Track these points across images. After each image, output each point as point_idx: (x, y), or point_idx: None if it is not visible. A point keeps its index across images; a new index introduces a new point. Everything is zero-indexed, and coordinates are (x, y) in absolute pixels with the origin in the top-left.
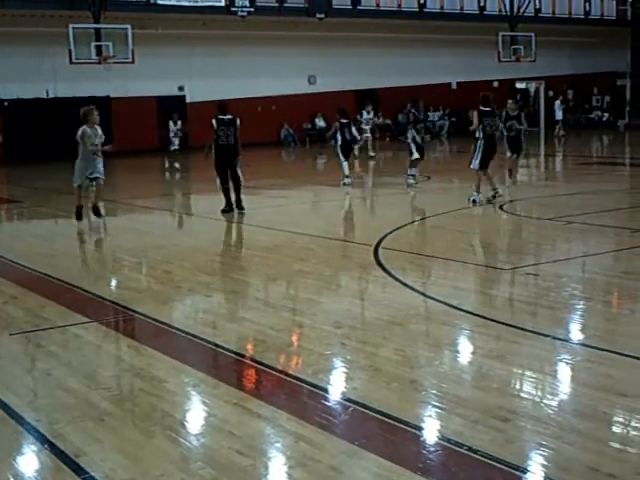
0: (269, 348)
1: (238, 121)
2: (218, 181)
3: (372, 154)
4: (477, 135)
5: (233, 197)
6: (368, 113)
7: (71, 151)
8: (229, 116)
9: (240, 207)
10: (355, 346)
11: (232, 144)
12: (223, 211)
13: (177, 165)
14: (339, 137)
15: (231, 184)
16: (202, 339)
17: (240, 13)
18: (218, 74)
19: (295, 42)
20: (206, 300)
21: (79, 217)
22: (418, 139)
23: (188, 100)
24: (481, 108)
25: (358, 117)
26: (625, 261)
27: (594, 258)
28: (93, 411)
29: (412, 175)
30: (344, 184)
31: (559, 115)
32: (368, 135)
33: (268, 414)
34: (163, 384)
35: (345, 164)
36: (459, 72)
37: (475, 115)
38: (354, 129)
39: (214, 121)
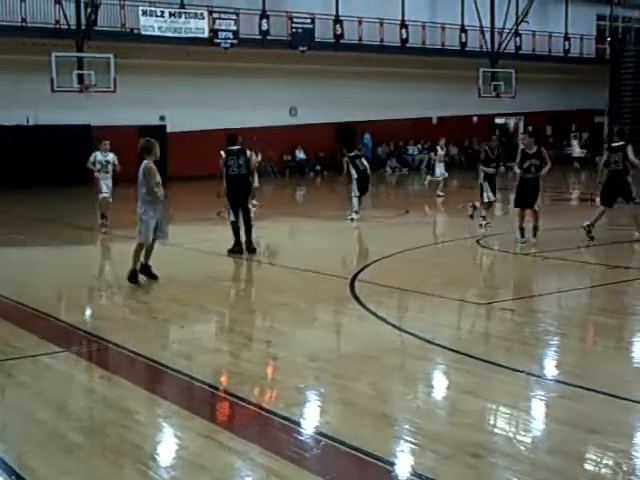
0: (243, 380)
1: (249, 152)
2: (228, 216)
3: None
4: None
5: (243, 237)
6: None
7: (53, 178)
8: (236, 147)
9: (250, 250)
10: (329, 379)
11: (244, 174)
12: (231, 251)
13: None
14: (353, 171)
15: (241, 222)
16: (176, 370)
17: (223, 45)
18: (200, 104)
19: (277, 74)
20: (181, 331)
21: (135, 280)
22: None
23: (169, 130)
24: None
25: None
26: (601, 298)
27: (570, 294)
28: (62, 442)
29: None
30: (351, 219)
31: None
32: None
33: (240, 447)
34: (135, 416)
35: (356, 200)
36: (440, 107)
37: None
38: (364, 160)
39: (222, 153)
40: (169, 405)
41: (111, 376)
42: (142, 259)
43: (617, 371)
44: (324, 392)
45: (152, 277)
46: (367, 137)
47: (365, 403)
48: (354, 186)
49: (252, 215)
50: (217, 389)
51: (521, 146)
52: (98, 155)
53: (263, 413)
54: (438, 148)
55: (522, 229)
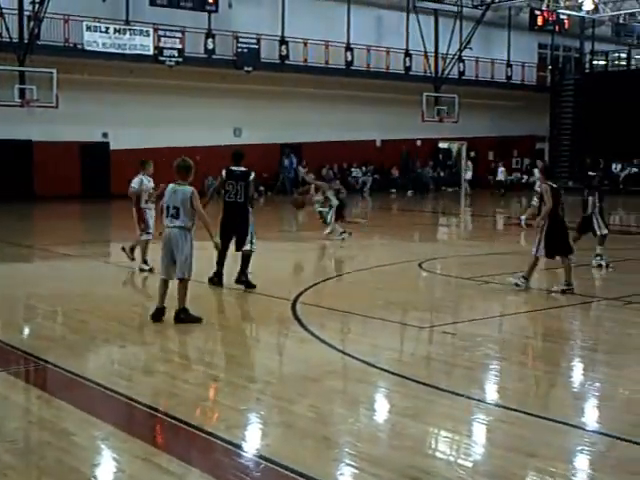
0: (182, 402)
1: (252, 175)
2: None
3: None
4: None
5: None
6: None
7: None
8: (242, 168)
9: (241, 281)
10: (270, 402)
11: (241, 202)
12: (210, 280)
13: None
14: (335, 201)
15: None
16: (114, 391)
17: (168, 63)
18: (144, 122)
19: (222, 94)
20: (121, 351)
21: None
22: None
23: (112, 147)
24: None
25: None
26: (540, 322)
27: (510, 318)
28: None
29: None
30: (343, 239)
31: (469, 175)
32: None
33: (178, 470)
34: (71, 437)
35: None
36: (384, 129)
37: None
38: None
39: (224, 172)
40: (107, 427)
41: (48, 397)
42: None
43: (555, 395)
44: (264, 414)
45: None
46: (292, 158)
47: (306, 426)
48: (332, 214)
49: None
50: (156, 410)
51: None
52: (144, 180)
53: (203, 435)
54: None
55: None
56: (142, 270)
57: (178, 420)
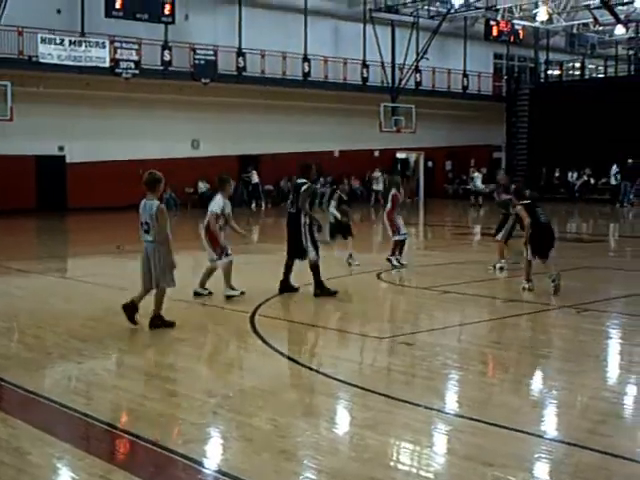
0: (140, 417)
1: (304, 187)
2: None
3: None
4: None
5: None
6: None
7: None
8: (301, 180)
9: (317, 294)
10: (228, 415)
11: (292, 213)
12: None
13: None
14: (336, 213)
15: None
16: (71, 408)
17: (124, 75)
18: (101, 135)
19: (179, 106)
20: (78, 367)
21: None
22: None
23: (68, 160)
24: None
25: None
26: (497, 331)
27: (468, 327)
28: None
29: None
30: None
31: (378, 186)
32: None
33: None
34: (27, 456)
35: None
36: (342, 140)
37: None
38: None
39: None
40: (62, 444)
41: (3, 416)
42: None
43: (514, 404)
44: (223, 428)
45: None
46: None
47: (264, 439)
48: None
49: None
50: (113, 427)
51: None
52: (226, 203)
53: (160, 451)
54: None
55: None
56: (199, 294)
57: (136, 436)
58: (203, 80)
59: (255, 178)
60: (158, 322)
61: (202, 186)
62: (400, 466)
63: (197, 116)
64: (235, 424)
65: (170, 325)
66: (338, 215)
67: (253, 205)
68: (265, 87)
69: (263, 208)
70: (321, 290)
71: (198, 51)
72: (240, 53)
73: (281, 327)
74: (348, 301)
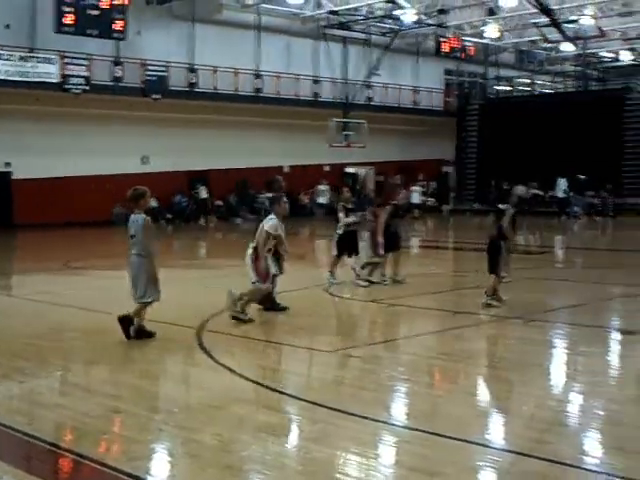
0: (83, 436)
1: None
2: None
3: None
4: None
5: None
6: None
7: None
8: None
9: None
10: (173, 432)
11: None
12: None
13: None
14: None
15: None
16: (12, 428)
17: (74, 90)
18: (49, 151)
19: (130, 121)
20: (19, 386)
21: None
22: None
23: (14, 177)
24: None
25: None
26: (445, 343)
27: (415, 339)
28: None
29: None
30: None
31: (322, 200)
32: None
33: None
34: None
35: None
36: (292, 155)
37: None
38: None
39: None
40: (4, 466)
41: None
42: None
43: (460, 414)
44: (168, 445)
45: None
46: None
47: (210, 455)
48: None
49: None
50: (56, 446)
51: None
52: (280, 224)
53: (104, 469)
54: None
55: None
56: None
57: (79, 455)
58: (154, 96)
59: (204, 194)
60: (137, 333)
61: (152, 202)
62: (347, 479)
63: (147, 132)
64: (180, 440)
65: (151, 335)
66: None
67: (202, 220)
68: (217, 103)
69: (212, 224)
70: (272, 305)
71: (149, 67)
72: (192, 69)
73: (229, 342)
74: (297, 315)
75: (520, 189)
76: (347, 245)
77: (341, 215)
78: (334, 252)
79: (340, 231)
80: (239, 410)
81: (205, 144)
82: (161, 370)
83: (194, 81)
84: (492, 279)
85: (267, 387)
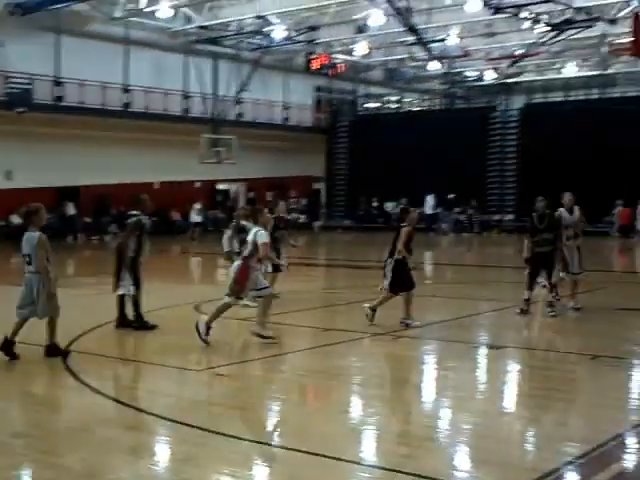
0: None
1: (130, 220)
2: None
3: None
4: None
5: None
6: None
7: None
8: (132, 212)
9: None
10: (37, 457)
11: (119, 243)
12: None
13: None
14: None
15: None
16: None
17: None
18: None
19: None
20: None
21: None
22: None
23: None
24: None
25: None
26: (315, 359)
27: (285, 357)
28: None
29: None
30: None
31: (197, 218)
32: None
33: None
34: None
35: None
36: (163, 171)
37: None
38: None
39: None
40: None
41: None
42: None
43: (331, 432)
44: (31, 470)
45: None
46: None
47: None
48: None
49: None
50: None
51: None
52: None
53: None
54: None
55: None
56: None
57: None
58: (18, 109)
59: (71, 210)
60: (54, 351)
61: (15, 219)
62: None
63: (11, 146)
64: (44, 465)
65: (66, 354)
66: (227, 246)
67: (69, 238)
68: (84, 117)
69: (80, 241)
70: (140, 323)
71: (12, 79)
72: (58, 82)
73: (95, 362)
74: (166, 333)
75: (389, 206)
76: None
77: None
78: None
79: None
80: (106, 432)
81: (74, 159)
82: (24, 393)
83: (60, 95)
84: (386, 296)
85: (135, 408)
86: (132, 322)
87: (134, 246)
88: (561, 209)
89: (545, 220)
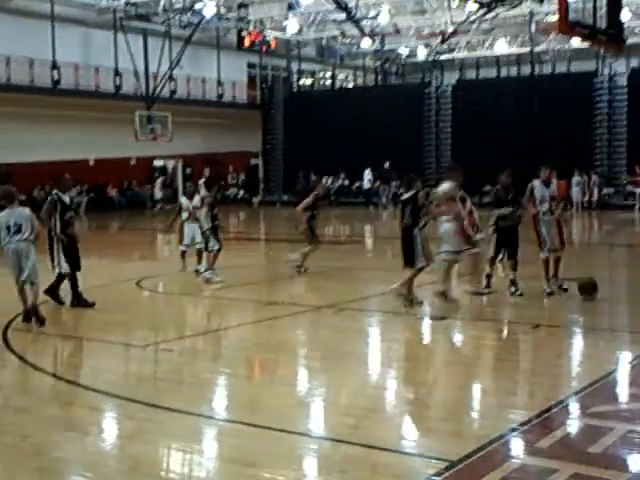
0: None
1: (48, 198)
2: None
3: None
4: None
5: None
6: None
7: None
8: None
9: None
10: None
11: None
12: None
13: None
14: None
15: None
16: None
17: None
18: None
19: None
20: None
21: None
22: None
23: None
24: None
25: None
26: (259, 333)
27: (229, 331)
28: None
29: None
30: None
31: (159, 194)
32: None
33: None
34: None
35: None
36: (97, 148)
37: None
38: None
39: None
40: None
41: None
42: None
43: (278, 405)
44: None
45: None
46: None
47: (18, 458)
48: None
49: None
50: None
51: None
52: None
53: None
54: None
55: None
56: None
57: None
58: None
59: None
60: (34, 315)
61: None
62: (164, 474)
63: None
64: None
65: (42, 322)
66: (206, 225)
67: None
68: (12, 95)
69: None
70: (78, 301)
71: None
72: None
73: (37, 340)
74: (108, 310)
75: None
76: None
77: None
78: (215, 246)
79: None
80: (49, 410)
81: (3, 137)
82: None
83: None
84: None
85: (79, 385)
86: (72, 301)
87: (59, 224)
88: (535, 181)
89: (511, 193)
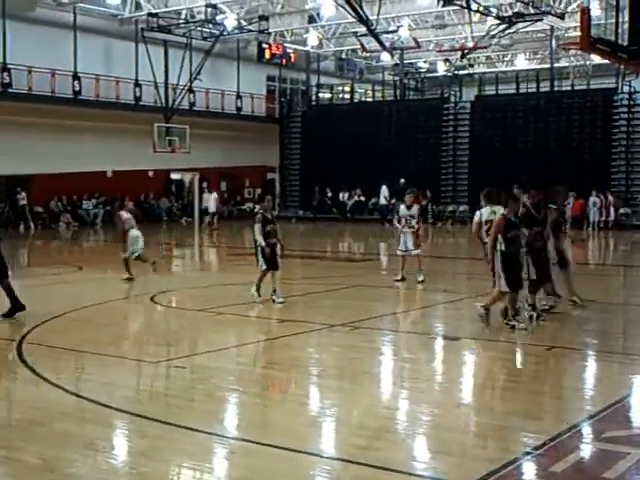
0: None
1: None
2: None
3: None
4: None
5: None
6: None
7: None
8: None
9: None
10: None
11: None
12: None
13: None
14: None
15: None
16: None
17: None
18: None
19: None
20: None
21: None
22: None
23: None
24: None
25: None
26: (272, 351)
27: (243, 349)
28: None
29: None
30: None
31: (213, 207)
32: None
33: None
34: None
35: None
36: (115, 160)
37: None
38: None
39: None
40: None
41: None
42: None
43: (291, 424)
44: None
45: None
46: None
47: (31, 474)
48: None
49: None
50: None
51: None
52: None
53: None
54: None
55: None
56: None
57: None
58: None
59: (22, 199)
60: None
61: None
62: None
63: None
64: None
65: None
66: (262, 241)
67: (21, 227)
68: (33, 105)
69: (32, 230)
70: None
71: None
72: (5, 68)
73: (51, 354)
74: (121, 325)
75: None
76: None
77: (258, 226)
78: (262, 266)
79: (264, 243)
80: (63, 426)
81: (23, 147)
82: None
83: (7, 81)
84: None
85: (92, 401)
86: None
87: None
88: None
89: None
